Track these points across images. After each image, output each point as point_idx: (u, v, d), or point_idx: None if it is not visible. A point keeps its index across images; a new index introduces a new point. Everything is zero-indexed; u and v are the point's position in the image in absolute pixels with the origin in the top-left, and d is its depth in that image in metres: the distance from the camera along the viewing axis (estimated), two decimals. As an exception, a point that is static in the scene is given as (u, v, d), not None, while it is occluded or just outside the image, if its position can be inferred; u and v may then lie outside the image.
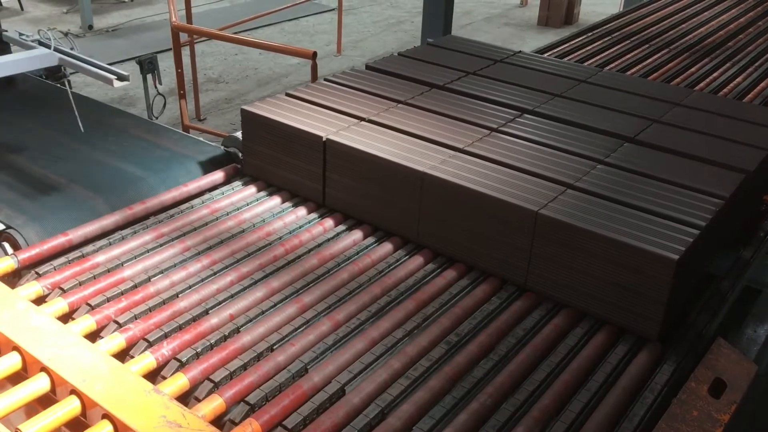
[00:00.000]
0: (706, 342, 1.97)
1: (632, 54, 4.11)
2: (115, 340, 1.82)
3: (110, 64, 2.49)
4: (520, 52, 3.32)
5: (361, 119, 2.55)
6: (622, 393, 1.76)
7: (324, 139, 2.41)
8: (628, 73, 3.79)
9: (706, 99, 2.93)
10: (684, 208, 2.06)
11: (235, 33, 7.54)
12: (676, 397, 1.73)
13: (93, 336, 1.87)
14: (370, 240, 2.35)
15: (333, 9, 9.89)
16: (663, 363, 1.88)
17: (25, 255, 2.14)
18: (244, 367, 1.78)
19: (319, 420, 1.62)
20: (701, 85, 3.72)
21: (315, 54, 4.77)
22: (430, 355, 1.85)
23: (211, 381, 1.72)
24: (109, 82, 2.30)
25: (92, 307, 1.95)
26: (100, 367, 1.63)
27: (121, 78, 2.30)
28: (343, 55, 9.18)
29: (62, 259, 2.15)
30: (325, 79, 2.91)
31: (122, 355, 1.81)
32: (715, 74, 3.90)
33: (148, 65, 5.09)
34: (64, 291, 2.01)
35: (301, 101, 2.68)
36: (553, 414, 1.69)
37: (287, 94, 2.74)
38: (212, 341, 1.85)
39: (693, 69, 3.94)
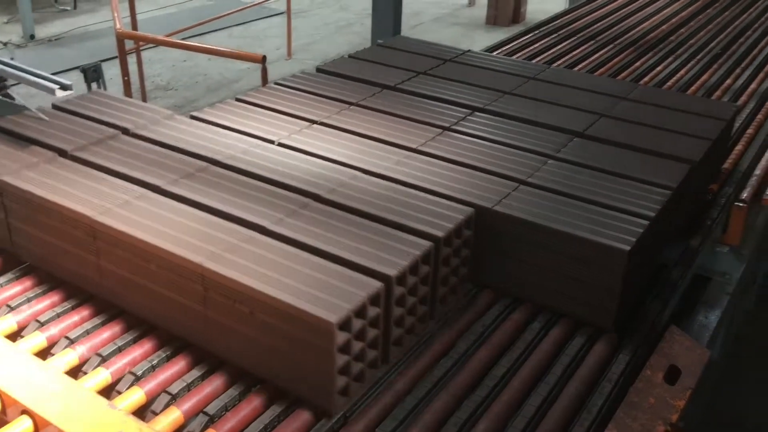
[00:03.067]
0: (660, 330, 2.01)
1: (579, 50, 4.18)
2: (67, 357, 1.77)
3: (54, 74, 2.43)
4: (469, 51, 3.34)
5: (313, 122, 2.53)
6: (580, 384, 1.78)
7: (276, 142, 2.39)
8: (576, 69, 3.86)
9: (651, 92, 3.00)
10: (633, 199, 2.10)
11: (183, 39, 7.43)
12: (633, 385, 1.76)
13: (44, 353, 1.82)
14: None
15: (282, 13, 9.81)
16: (619, 353, 1.91)
17: (-31, 273, 2.07)
18: (202, 377, 1.75)
19: (279, 427, 1.60)
20: (646, 78, 3.81)
21: (264, 58, 4.73)
22: (390, 356, 1.83)
23: (169, 393, 1.68)
24: (51, 92, 2.24)
25: (42, 324, 1.89)
26: (52, 385, 1.58)
27: (63, 87, 2.24)
28: (293, 59, 9.12)
29: (9, 275, 2.08)
30: (276, 83, 2.88)
31: (75, 372, 1.76)
32: (659, 68, 3.99)
33: (92, 73, 4.97)
34: (11, 308, 1.94)
35: (251, 106, 2.65)
36: (514, 408, 1.71)
37: (237, 99, 2.71)
38: (168, 353, 1.81)
39: (638, 63, 4.03)
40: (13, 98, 2.51)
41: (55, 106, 2.50)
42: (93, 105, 2.54)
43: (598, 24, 4.72)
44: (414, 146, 2.38)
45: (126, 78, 5.87)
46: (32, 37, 9.40)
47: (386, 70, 3.02)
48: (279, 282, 1.65)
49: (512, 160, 2.31)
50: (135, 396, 1.66)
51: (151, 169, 2.14)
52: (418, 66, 3.08)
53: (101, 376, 1.72)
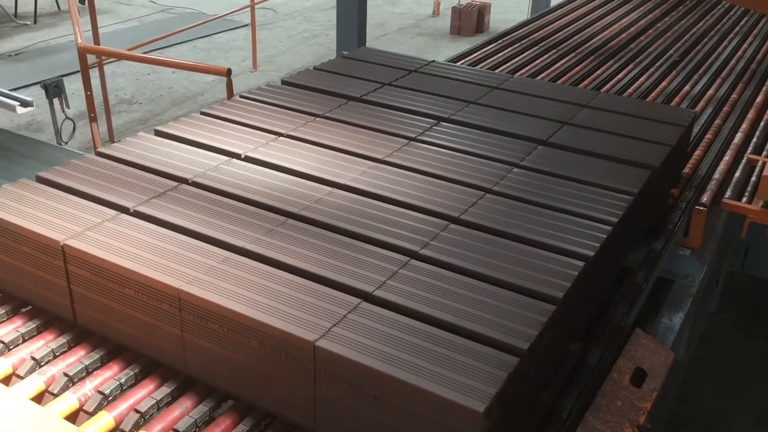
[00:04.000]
0: (625, 333, 2.05)
1: (541, 59, 4.24)
2: (34, 382, 1.74)
3: (14, 90, 2.41)
4: (433, 61, 3.37)
5: (279, 135, 2.53)
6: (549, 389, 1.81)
7: (242, 156, 2.38)
8: (538, 78, 3.91)
9: (612, 100, 3.05)
10: (596, 205, 2.13)
11: (147, 52, 7.38)
12: (600, 389, 1.79)
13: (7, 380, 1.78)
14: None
15: (247, 25, 9.79)
16: (586, 356, 1.94)
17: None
18: (172, 395, 1.73)
19: (252, 443, 1.59)
20: (607, 86, 3.88)
21: (229, 71, 4.71)
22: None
23: (138, 411, 1.66)
24: (12, 108, 2.21)
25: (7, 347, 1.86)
26: (18, 413, 1.55)
27: (24, 104, 2.21)
28: (259, 71, 9.11)
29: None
30: (241, 96, 2.88)
31: (41, 398, 1.73)
32: (619, 75, 4.07)
33: (53, 89, 4.91)
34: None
35: (216, 119, 2.64)
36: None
37: (202, 113, 2.70)
38: (136, 370, 1.79)
39: (599, 71, 4.10)
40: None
41: (99, 153, 2.29)
42: (139, 151, 2.32)
43: (560, 33, 4.80)
44: (380, 157, 2.39)
45: (89, 93, 5.80)
46: (-9, 52, 9.25)
47: (351, 82, 3.03)
48: (411, 365, 1.46)
49: (478, 169, 2.34)
50: (104, 421, 1.64)
51: (228, 226, 1.93)
52: (383, 77, 3.10)
53: (69, 400, 1.70)
